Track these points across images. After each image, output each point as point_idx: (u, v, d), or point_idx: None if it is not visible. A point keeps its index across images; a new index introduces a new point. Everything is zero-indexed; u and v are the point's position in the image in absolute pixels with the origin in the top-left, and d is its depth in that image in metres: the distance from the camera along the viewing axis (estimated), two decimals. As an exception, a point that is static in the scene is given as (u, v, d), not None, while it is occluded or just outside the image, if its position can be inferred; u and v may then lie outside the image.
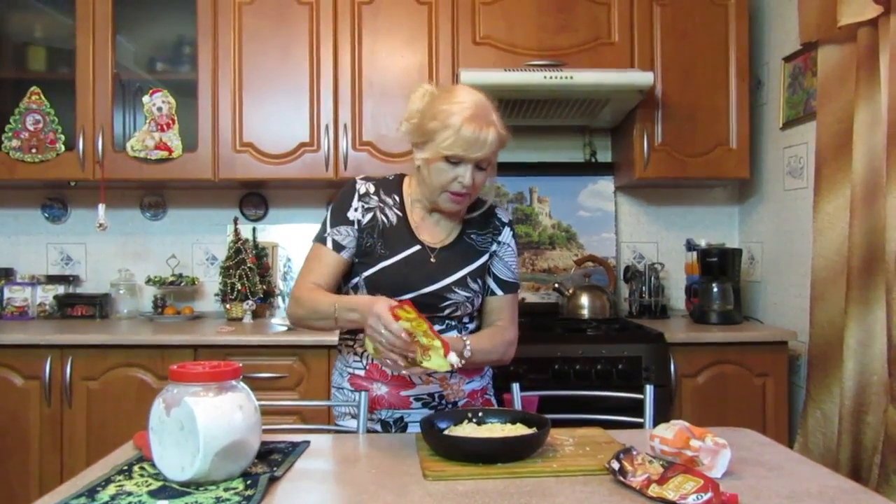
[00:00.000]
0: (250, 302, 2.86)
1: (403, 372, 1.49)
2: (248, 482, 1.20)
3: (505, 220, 1.77)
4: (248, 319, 2.86)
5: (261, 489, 1.17)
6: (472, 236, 1.71)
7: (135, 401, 2.46)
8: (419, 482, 1.24)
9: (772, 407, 2.56)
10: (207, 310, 3.11)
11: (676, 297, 3.23)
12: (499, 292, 1.73)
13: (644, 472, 1.21)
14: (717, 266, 2.87)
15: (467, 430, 1.43)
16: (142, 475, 1.24)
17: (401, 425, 1.67)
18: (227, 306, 2.91)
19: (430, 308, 1.63)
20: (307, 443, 1.49)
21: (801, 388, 2.68)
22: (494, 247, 1.73)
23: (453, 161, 1.56)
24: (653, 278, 3.10)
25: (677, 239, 3.25)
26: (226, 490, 1.17)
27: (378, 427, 1.67)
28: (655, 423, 1.77)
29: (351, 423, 1.68)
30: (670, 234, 3.28)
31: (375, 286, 1.62)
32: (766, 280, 3.02)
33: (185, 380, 1.23)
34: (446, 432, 1.42)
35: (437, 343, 1.38)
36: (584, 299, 2.96)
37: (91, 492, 1.16)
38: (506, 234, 1.75)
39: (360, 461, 1.40)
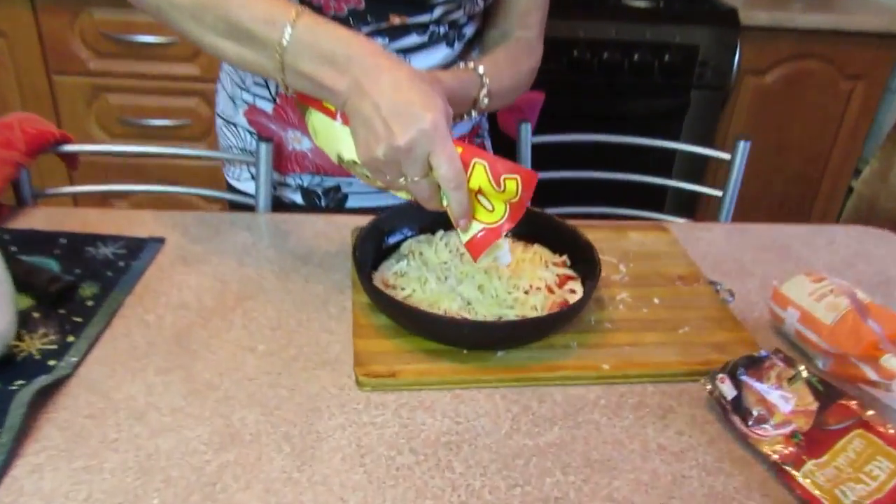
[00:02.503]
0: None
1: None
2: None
3: None
4: None
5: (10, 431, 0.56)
6: None
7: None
8: (347, 384, 0.64)
9: (852, 120, 1.91)
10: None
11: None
12: None
13: (784, 404, 0.62)
14: None
15: (441, 254, 0.78)
16: None
17: (336, 197, 1.00)
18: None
19: (410, 5, 0.83)
20: (160, 243, 0.84)
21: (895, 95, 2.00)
22: None
23: None
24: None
25: None
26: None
27: (297, 197, 1.00)
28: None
29: (251, 185, 1.01)
30: None
31: None
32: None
33: None
34: (406, 262, 0.77)
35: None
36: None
37: None
38: None
39: (248, 292, 0.76)
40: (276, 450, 0.59)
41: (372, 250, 0.77)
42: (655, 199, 1.86)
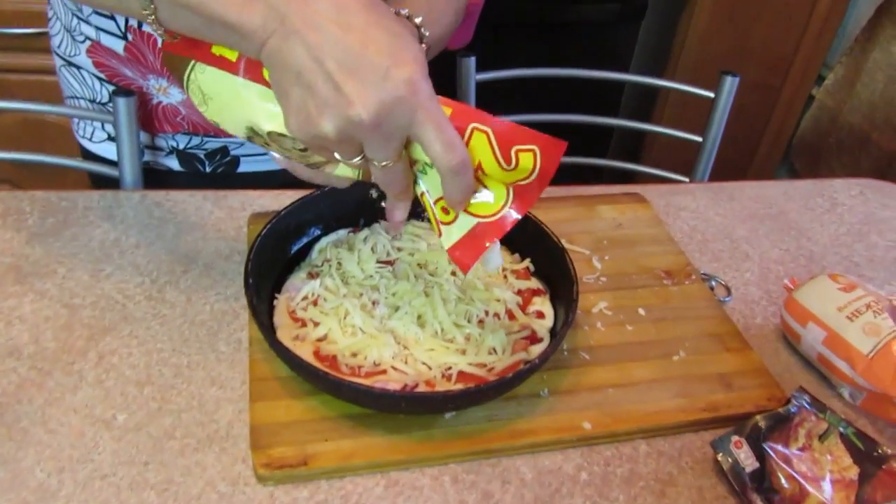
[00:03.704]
0: None
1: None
2: None
3: None
4: None
5: None
6: None
7: None
8: (242, 474, 0.46)
9: (819, 21, 1.74)
10: None
11: None
12: None
13: (822, 481, 0.48)
14: None
15: (366, 264, 0.59)
16: None
17: (223, 161, 0.77)
18: None
19: None
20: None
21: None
22: None
23: None
24: None
25: None
26: None
27: (173, 162, 0.77)
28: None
29: (111, 149, 0.77)
30: None
31: None
32: None
33: None
34: (319, 280, 0.58)
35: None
36: None
37: None
38: None
39: (105, 322, 0.56)
40: None
41: (272, 265, 0.57)
42: (601, 138, 1.69)
